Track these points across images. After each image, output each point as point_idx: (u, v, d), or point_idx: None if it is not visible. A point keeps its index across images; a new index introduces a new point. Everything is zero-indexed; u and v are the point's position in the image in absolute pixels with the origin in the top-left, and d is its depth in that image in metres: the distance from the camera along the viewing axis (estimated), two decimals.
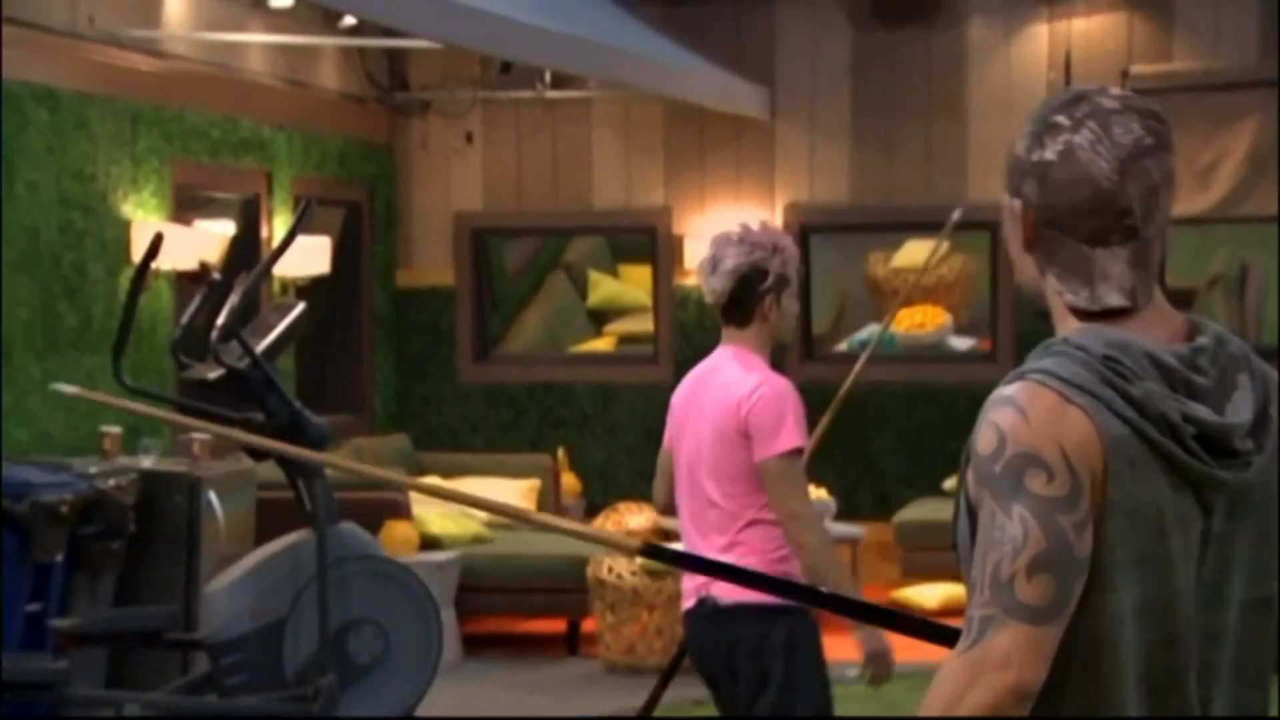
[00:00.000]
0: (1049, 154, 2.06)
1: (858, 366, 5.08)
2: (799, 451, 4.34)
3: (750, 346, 4.45)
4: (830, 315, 11.07)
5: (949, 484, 10.27)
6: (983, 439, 1.98)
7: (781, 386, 4.38)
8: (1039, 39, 10.40)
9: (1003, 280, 10.51)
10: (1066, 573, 1.93)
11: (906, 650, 8.83)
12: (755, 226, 4.50)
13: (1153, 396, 1.99)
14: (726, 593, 4.33)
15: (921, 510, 9.99)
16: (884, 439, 10.59)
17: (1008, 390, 2.00)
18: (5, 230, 7.51)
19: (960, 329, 10.82)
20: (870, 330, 10.43)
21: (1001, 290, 10.52)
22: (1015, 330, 10.48)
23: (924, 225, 10.39)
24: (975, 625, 1.94)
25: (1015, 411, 1.97)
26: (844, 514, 9.70)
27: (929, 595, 9.52)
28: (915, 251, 10.74)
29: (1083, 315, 2.07)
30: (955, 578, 9.48)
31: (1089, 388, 1.98)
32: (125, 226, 8.23)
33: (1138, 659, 1.99)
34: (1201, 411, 2.01)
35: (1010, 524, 1.94)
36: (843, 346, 10.75)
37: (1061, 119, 2.06)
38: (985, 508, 1.97)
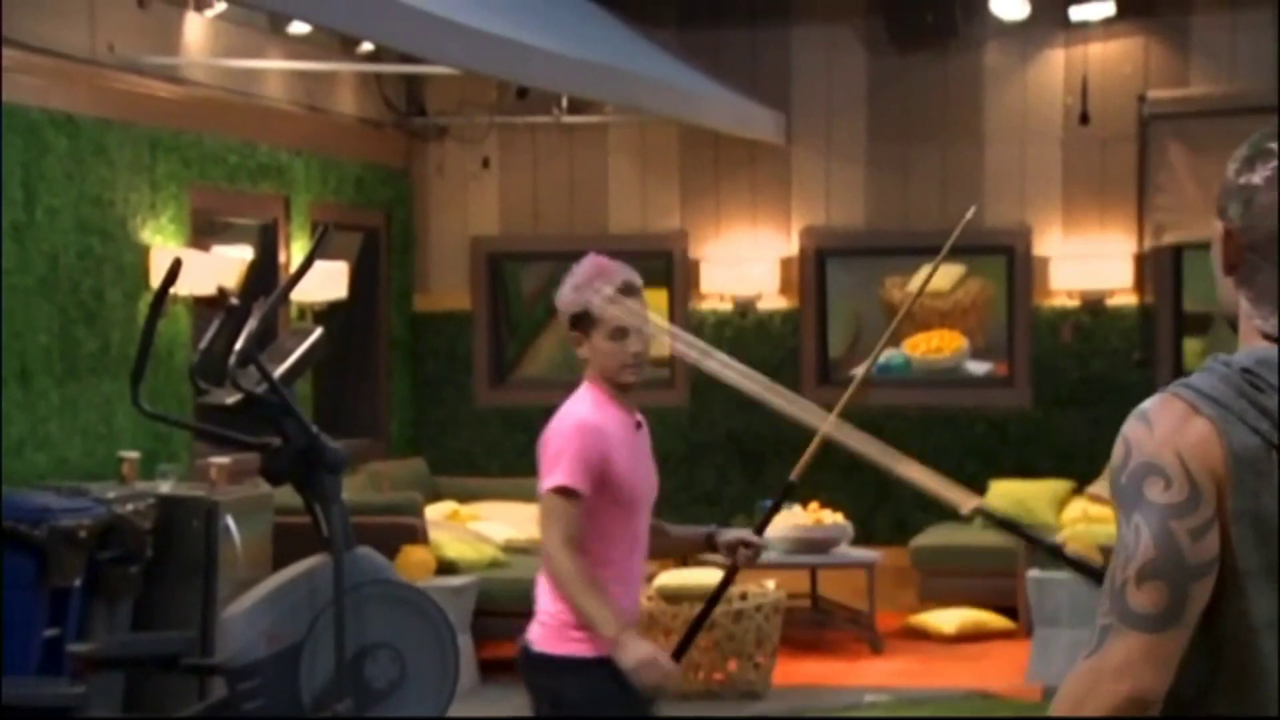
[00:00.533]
0: (1256, 178, 2.07)
1: (850, 389, 4.96)
2: (565, 491, 4.17)
3: (589, 379, 4.44)
4: (846, 339, 11.06)
5: (965, 509, 10.24)
6: (1115, 452, 2.02)
7: (570, 423, 4.24)
8: (1055, 63, 10.40)
9: (1019, 304, 10.51)
10: (1180, 579, 1.93)
11: (922, 678, 8.75)
12: (591, 259, 4.41)
13: None
14: (536, 641, 4.26)
15: (938, 535, 9.97)
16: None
17: (1145, 404, 2.03)
18: (25, 256, 7.54)
19: (977, 353, 10.79)
20: (889, 355, 10.42)
21: (1018, 314, 10.51)
22: (1032, 354, 10.47)
23: (940, 249, 10.39)
24: (1097, 634, 1.96)
25: (1142, 423, 2.00)
26: (860, 539, 9.68)
27: (946, 620, 9.49)
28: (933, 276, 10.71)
29: (1269, 342, 2.06)
30: (972, 603, 9.50)
31: (1222, 399, 1.98)
32: (144, 252, 8.26)
33: None
34: None
35: (1128, 532, 1.96)
36: (859, 371, 10.71)
37: (1275, 145, 2.08)
38: (1118, 518, 1.99)
